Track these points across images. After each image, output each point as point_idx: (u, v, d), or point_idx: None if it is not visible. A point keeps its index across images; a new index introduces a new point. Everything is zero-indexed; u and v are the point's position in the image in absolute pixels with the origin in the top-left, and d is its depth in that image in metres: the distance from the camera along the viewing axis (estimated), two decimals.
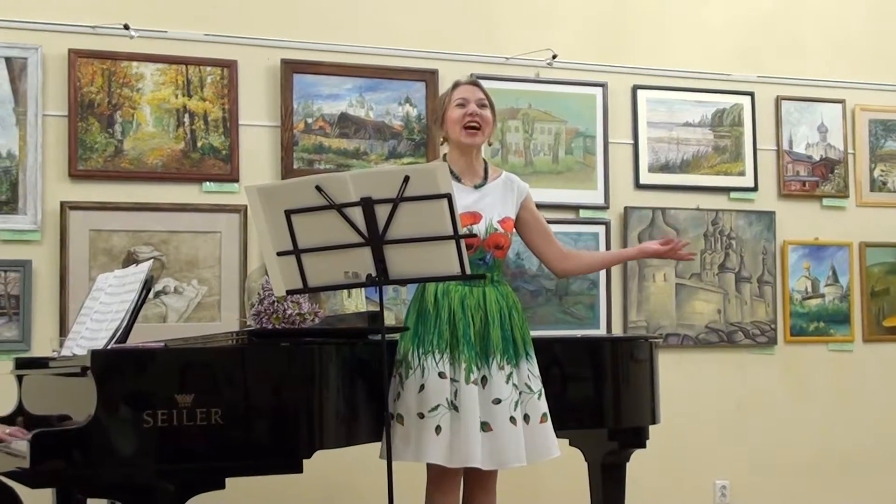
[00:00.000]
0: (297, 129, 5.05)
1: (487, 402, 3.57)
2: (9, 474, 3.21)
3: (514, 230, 3.87)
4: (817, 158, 5.95)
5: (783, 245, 5.84)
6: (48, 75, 4.74)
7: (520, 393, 3.63)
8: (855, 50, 6.04)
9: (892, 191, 6.08)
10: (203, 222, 4.87)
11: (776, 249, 5.83)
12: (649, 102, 5.66)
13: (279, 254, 3.28)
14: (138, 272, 3.50)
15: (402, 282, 3.44)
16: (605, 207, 5.52)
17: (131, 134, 4.84)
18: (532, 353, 3.73)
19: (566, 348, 4.05)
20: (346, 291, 4.04)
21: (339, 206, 3.20)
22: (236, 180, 4.93)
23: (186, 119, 4.91)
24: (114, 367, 3.11)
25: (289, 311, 3.73)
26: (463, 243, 3.25)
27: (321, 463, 3.43)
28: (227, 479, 3.20)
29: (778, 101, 5.89)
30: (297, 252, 3.26)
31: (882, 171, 6.08)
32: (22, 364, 4.04)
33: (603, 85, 5.56)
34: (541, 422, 3.66)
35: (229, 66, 4.97)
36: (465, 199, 3.67)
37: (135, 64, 4.85)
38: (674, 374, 5.15)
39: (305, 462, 3.29)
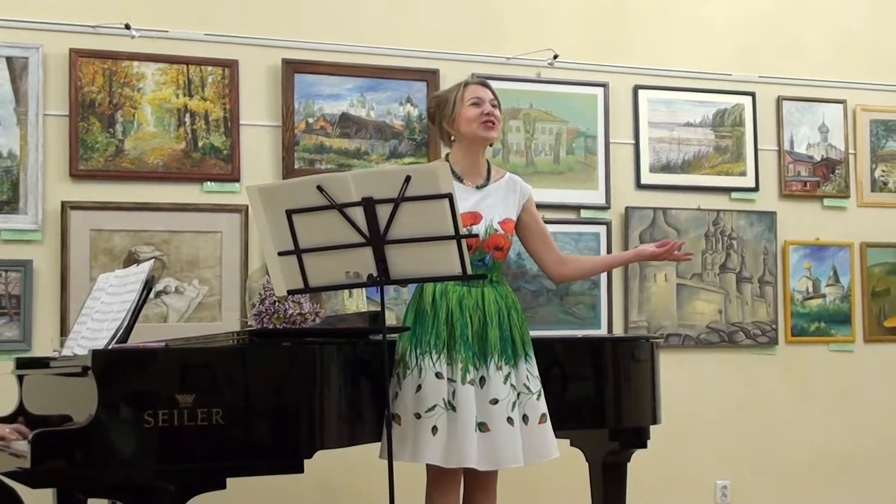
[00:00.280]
0: (298, 128, 5.05)
1: (485, 402, 3.56)
2: (10, 474, 3.21)
3: (515, 232, 3.87)
4: (818, 159, 5.95)
5: (784, 245, 5.84)
6: (49, 75, 4.74)
7: (518, 393, 3.63)
8: (856, 50, 6.04)
9: (893, 191, 6.08)
10: (204, 222, 4.87)
11: (777, 250, 5.83)
12: (650, 102, 5.66)
13: (280, 254, 3.28)
14: (139, 272, 3.50)
15: (404, 282, 3.44)
16: (606, 207, 5.52)
17: (132, 134, 4.83)
18: (531, 354, 3.73)
19: (567, 348, 4.05)
20: (347, 291, 4.05)
21: (341, 206, 3.20)
22: (237, 180, 4.93)
23: (187, 119, 4.91)
24: (115, 367, 3.11)
25: (290, 311, 3.73)
26: (464, 243, 3.24)
27: (322, 463, 3.43)
28: (228, 479, 3.20)
29: (779, 101, 5.89)
30: (298, 252, 3.26)
31: (883, 171, 6.07)
32: (23, 364, 4.04)
33: (604, 85, 5.56)
34: (539, 422, 3.65)
35: (230, 66, 4.97)
36: (466, 199, 3.67)
37: (136, 63, 4.85)
38: (675, 374, 5.15)
39: (306, 462, 3.29)
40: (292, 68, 5.05)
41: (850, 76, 6.01)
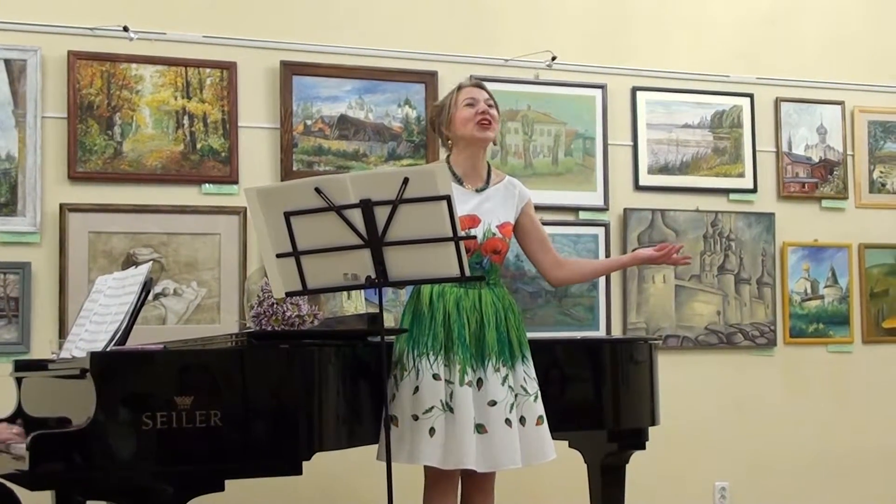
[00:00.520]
0: (296, 130, 5.05)
1: (482, 403, 3.57)
2: (8, 476, 3.22)
3: (513, 235, 3.87)
4: (816, 160, 5.95)
5: (782, 246, 5.84)
6: (47, 77, 4.74)
7: (515, 395, 3.63)
8: (854, 51, 6.04)
9: (891, 192, 6.08)
10: (202, 224, 4.87)
11: (775, 251, 5.83)
12: (649, 104, 5.66)
13: (278, 256, 3.28)
14: (137, 274, 3.50)
15: (402, 283, 3.44)
16: (604, 209, 5.52)
17: (131, 136, 4.84)
18: (528, 356, 3.73)
19: (566, 350, 4.05)
20: (345, 293, 4.04)
21: (339, 208, 3.20)
22: (236, 182, 4.93)
23: (186, 121, 4.91)
24: (113, 369, 3.11)
25: (288, 313, 3.73)
26: (462, 245, 3.25)
27: (321, 465, 3.43)
28: (227, 481, 3.20)
29: (777, 102, 5.89)
30: (296, 254, 3.26)
31: (881, 172, 6.08)
32: (21, 366, 4.04)
33: (602, 87, 5.56)
34: (536, 424, 3.65)
35: (228, 68, 4.97)
36: (465, 202, 3.68)
37: (134, 66, 4.85)
38: (673, 375, 5.14)
39: (305, 464, 3.29)
40: (290, 70, 5.05)
41: (848, 77, 6.02)
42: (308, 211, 3.21)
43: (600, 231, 5.49)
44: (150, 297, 4.39)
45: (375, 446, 3.56)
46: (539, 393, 3.70)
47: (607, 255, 5.46)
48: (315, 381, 3.34)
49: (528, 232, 3.91)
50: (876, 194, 6.06)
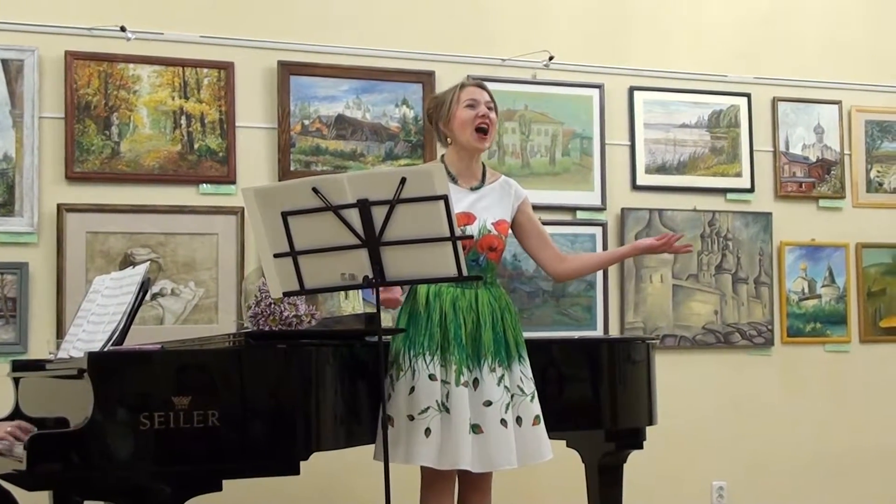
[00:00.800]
0: (293, 130, 5.05)
1: (478, 404, 3.57)
2: (5, 477, 3.21)
3: (511, 234, 3.87)
4: (814, 159, 5.96)
5: (780, 246, 5.85)
6: (45, 77, 4.73)
7: (511, 395, 3.63)
8: (851, 51, 6.05)
9: (888, 191, 6.09)
10: (200, 224, 4.87)
11: (773, 250, 5.83)
12: (646, 104, 5.66)
13: (276, 255, 3.28)
14: (135, 274, 3.50)
15: (399, 283, 3.44)
16: (602, 209, 5.52)
17: (128, 136, 4.83)
18: (525, 356, 3.73)
19: (563, 350, 4.05)
20: (342, 293, 4.04)
21: (336, 208, 3.20)
22: (233, 182, 4.93)
23: (183, 121, 4.91)
24: (111, 369, 3.11)
25: (285, 313, 3.73)
26: (460, 245, 3.25)
27: (318, 465, 3.43)
28: (225, 481, 3.20)
29: (774, 102, 5.90)
30: (293, 254, 3.26)
31: (878, 171, 6.08)
32: (18, 366, 4.03)
33: (600, 86, 5.56)
34: (533, 424, 3.65)
35: (226, 68, 4.97)
36: (460, 200, 3.68)
37: (131, 66, 4.85)
38: (671, 375, 5.14)
39: (303, 464, 3.29)
40: (288, 70, 5.05)
41: (845, 77, 6.02)
42: (305, 211, 3.21)
43: (598, 231, 5.49)
44: (148, 297, 4.40)
45: (373, 446, 3.56)
46: (536, 393, 3.70)
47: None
48: (312, 381, 3.34)
49: (527, 229, 3.91)
50: (873, 194, 6.06)
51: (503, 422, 3.56)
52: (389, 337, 3.66)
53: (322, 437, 3.36)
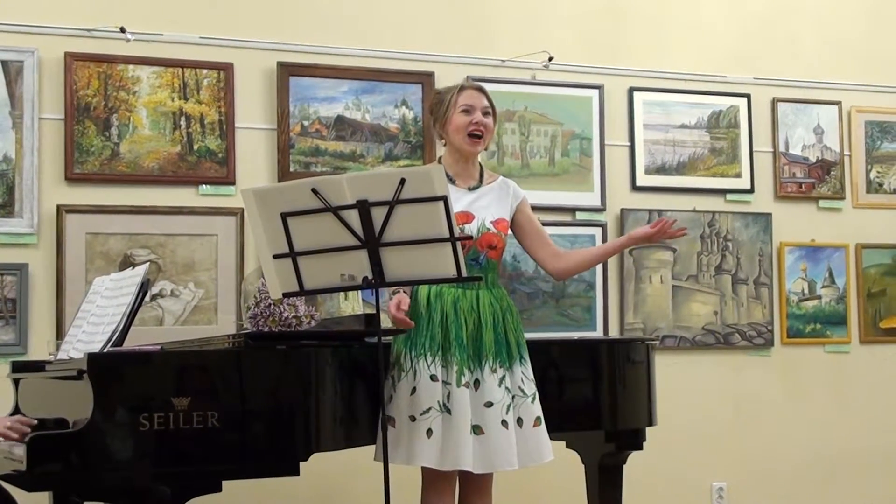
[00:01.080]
0: (293, 131, 5.05)
1: (479, 405, 3.57)
2: (5, 477, 3.21)
3: (511, 233, 3.87)
4: (813, 160, 5.96)
5: (780, 247, 5.85)
6: (44, 78, 4.73)
7: (512, 396, 3.63)
8: (851, 51, 6.05)
9: (888, 192, 6.09)
10: (199, 225, 4.87)
11: (773, 251, 5.83)
12: (645, 104, 5.66)
13: (275, 256, 3.28)
14: (134, 275, 3.50)
15: (399, 284, 3.44)
16: (601, 209, 5.52)
17: (127, 137, 4.83)
18: (526, 357, 3.73)
19: (563, 351, 4.05)
20: (342, 294, 4.04)
21: (336, 209, 3.20)
22: (233, 183, 4.93)
23: (183, 122, 4.91)
24: (110, 370, 3.11)
25: (285, 314, 3.74)
26: (459, 245, 3.25)
27: (318, 466, 3.43)
28: (224, 482, 3.20)
29: (774, 102, 5.90)
30: (293, 255, 3.26)
31: (878, 172, 6.08)
32: (18, 367, 4.04)
33: (599, 87, 5.56)
34: (534, 425, 3.65)
35: (225, 69, 4.97)
36: (458, 200, 3.68)
37: (131, 67, 4.85)
38: (670, 375, 5.14)
39: (302, 465, 3.29)
40: (287, 71, 5.05)
41: (844, 78, 6.02)
42: (305, 212, 3.21)
43: (597, 231, 5.49)
44: (148, 298, 4.40)
45: (373, 447, 3.56)
46: (537, 394, 3.70)
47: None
48: (312, 381, 3.34)
49: (526, 229, 3.91)
50: (873, 194, 6.06)
51: (504, 423, 3.56)
52: (390, 338, 3.66)
53: (321, 438, 3.36)
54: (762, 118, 5.88)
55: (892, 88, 6.11)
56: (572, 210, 5.49)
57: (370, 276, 3.26)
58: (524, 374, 3.69)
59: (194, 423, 3.12)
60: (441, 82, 5.14)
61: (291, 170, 5.00)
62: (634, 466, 4.27)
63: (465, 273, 3.27)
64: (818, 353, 5.91)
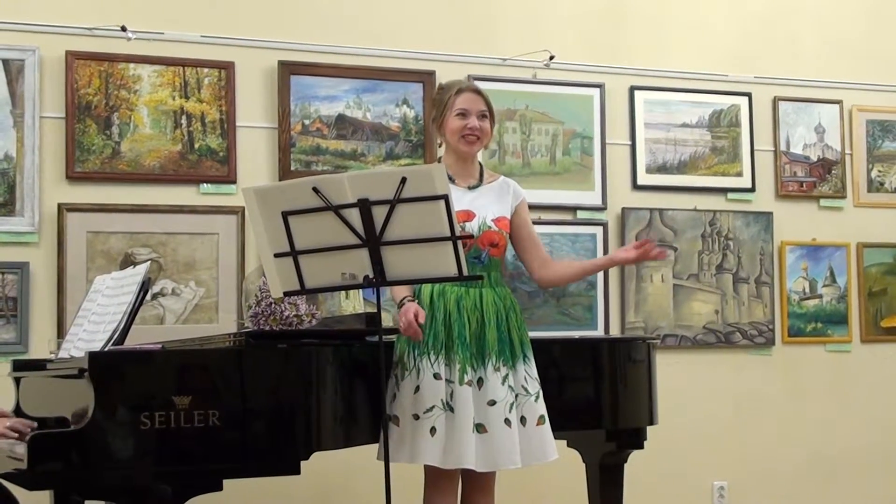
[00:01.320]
0: (294, 130, 5.05)
1: (482, 403, 3.57)
2: (6, 476, 3.21)
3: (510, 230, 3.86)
4: (815, 159, 5.95)
5: (781, 246, 5.84)
6: (45, 77, 4.73)
7: (516, 395, 3.63)
8: (852, 50, 6.04)
9: (889, 191, 6.09)
10: (200, 224, 4.87)
11: (774, 250, 5.83)
12: (647, 103, 5.66)
13: (276, 255, 3.28)
14: (135, 274, 3.50)
15: (400, 283, 3.44)
16: (602, 208, 5.52)
17: (129, 136, 4.83)
18: (530, 356, 3.73)
19: (564, 349, 4.05)
20: (343, 293, 4.04)
21: (337, 208, 3.20)
22: (234, 182, 4.93)
23: (184, 121, 4.91)
24: (111, 369, 3.11)
25: (286, 313, 3.73)
26: (460, 244, 3.25)
27: (320, 465, 3.43)
28: (225, 481, 3.20)
29: (775, 101, 5.90)
30: (294, 254, 3.26)
31: (879, 171, 6.08)
32: (19, 366, 4.04)
33: (600, 86, 5.56)
34: (537, 424, 3.65)
35: (226, 68, 4.97)
36: (459, 199, 3.67)
37: (132, 66, 4.85)
38: (671, 375, 5.14)
39: (304, 464, 3.29)
40: (288, 70, 5.05)
41: (846, 76, 6.02)
42: (306, 210, 3.21)
43: (598, 230, 5.49)
44: (149, 296, 4.40)
45: (374, 446, 3.57)
46: (541, 393, 3.70)
47: (605, 254, 5.44)
48: (313, 380, 3.34)
49: (518, 231, 3.88)
50: (874, 193, 6.06)
51: (507, 421, 3.56)
52: (392, 336, 3.66)
53: (322, 437, 3.36)
54: (763, 117, 5.87)
55: (893, 87, 6.11)
56: (573, 209, 5.48)
57: (371, 275, 3.26)
58: (528, 373, 3.69)
59: (195, 421, 3.12)
60: (442, 81, 5.12)
61: (292, 168, 5.00)
62: (635, 465, 4.26)
63: (466, 272, 3.27)
64: (819, 352, 5.91)
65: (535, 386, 3.69)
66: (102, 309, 3.59)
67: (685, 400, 5.48)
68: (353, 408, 3.49)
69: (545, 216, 5.35)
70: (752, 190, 5.81)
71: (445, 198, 3.18)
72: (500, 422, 3.56)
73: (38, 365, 3.90)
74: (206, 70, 4.94)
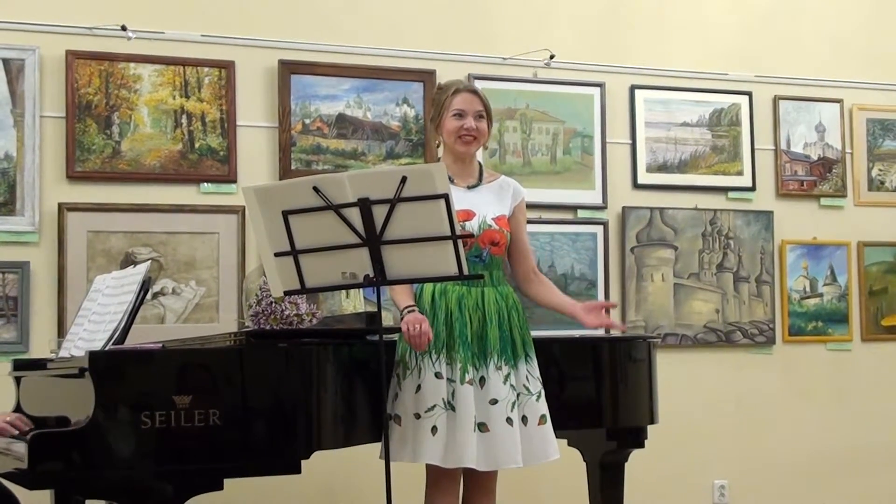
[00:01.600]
0: (294, 129, 5.05)
1: (484, 402, 3.56)
2: (7, 476, 3.22)
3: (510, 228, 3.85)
4: (815, 158, 5.95)
5: (781, 244, 5.84)
6: (45, 77, 4.73)
7: (517, 394, 3.63)
8: (852, 49, 6.04)
9: (889, 190, 6.08)
10: (201, 223, 4.87)
11: (774, 249, 5.83)
12: (647, 102, 5.66)
13: (277, 255, 3.27)
14: (136, 273, 3.50)
15: (401, 282, 3.44)
16: (603, 207, 5.52)
17: (129, 135, 4.83)
18: (532, 355, 3.73)
19: (565, 348, 4.05)
20: (343, 292, 4.04)
21: (337, 207, 3.20)
22: (234, 181, 4.93)
23: (184, 120, 4.91)
24: (112, 368, 3.11)
25: (286, 312, 3.73)
26: (461, 243, 3.25)
27: (321, 464, 3.43)
28: (226, 480, 3.20)
29: (776, 100, 5.89)
30: (294, 253, 3.26)
31: (880, 170, 6.08)
32: (20, 365, 4.04)
33: (601, 85, 5.56)
34: (539, 424, 3.65)
35: (227, 67, 4.96)
36: (458, 199, 3.64)
37: (132, 65, 4.85)
38: (672, 373, 5.14)
39: (306, 463, 3.29)
40: (289, 69, 5.05)
41: (846, 75, 6.02)
42: (306, 210, 3.21)
43: (599, 230, 5.49)
44: (149, 296, 4.40)
45: (377, 445, 3.56)
46: (542, 392, 3.70)
47: (606, 253, 5.47)
48: (313, 379, 3.34)
49: (512, 234, 3.86)
50: (875, 192, 6.06)
51: (509, 420, 3.56)
52: (394, 336, 3.65)
53: (323, 436, 3.36)
54: (764, 116, 5.87)
55: (893, 86, 6.11)
56: (574, 208, 5.48)
57: (371, 274, 3.26)
58: (529, 373, 3.69)
59: (196, 421, 3.12)
60: (442, 80, 5.11)
61: (293, 168, 5.00)
62: (636, 464, 4.26)
63: (466, 271, 3.27)
64: (820, 350, 5.91)
65: (536, 385, 3.69)
66: (103, 308, 3.59)
67: (686, 399, 5.48)
68: (353, 407, 3.49)
69: (546, 215, 5.35)
70: (753, 189, 5.81)
71: (446, 197, 3.18)
72: (501, 421, 3.56)
73: (39, 364, 3.90)
74: (206, 69, 4.94)
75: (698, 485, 5.65)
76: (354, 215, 3.21)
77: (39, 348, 4.53)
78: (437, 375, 3.56)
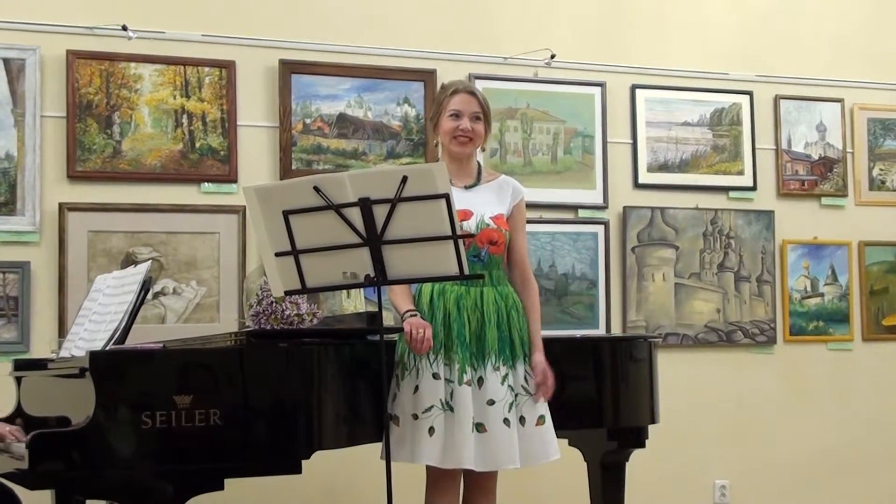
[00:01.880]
0: (295, 129, 5.05)
1: (482, 403, 3.56)
2: (8, 476, 3.22)
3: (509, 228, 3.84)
4: (816, 157, 5.95)
5: (782, 244, 5.84)
6: (46, 76, 4.73)
7: (515, 395, 3.62)
8: (853, 49, 6.04)
9: (890, 189, 6.08)
10: (201, 223, 4.87)
11: (775, 249, 5.83)
12: (648, 102, 5.66)
13: (277, 254, 3.27)
14: (136, 273, 3.50)
15: (401, 282, 3.43)
16: (603, 207, 5.52)
17: (129, 135, 4.83)
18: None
19: (565, 348, 4.04)
20: (344, 292, 4.04)
21: (338, 207, 3.20)
22: (235, 181, 4.93)
23: (185, 120, 4.91)
24: (112, 368, 3.11)
25: (287, 312, 3.73)
26: (461, 243, 3.24)
27: (322, 464, 3.43)
28: (227, 480, 3.20)
29: (776, 100, 5.89)
30: (295, 253, 3.26)
31: (881, 169, 6.07)
32: (20, 365, 4.04)
33: (601, 84, 5.56)
34: (537, 424, 3.64)
35: (227, 67, 4.96)
36: (455, 199, 3.63)
37: (133, 65, 4.85)
38: (673, 373, 5.14)
39: (305, 463, 3.29)
40: (289, 69, 5.05)
41: (847, 75, 6.02)
42: (307, 210, 3.20)
43: (600, 229, 5.49)
44: (150, 295, 4.40)
45: (378, 445, 3.56)
46: None
47: (607, 253, 5.47)
48: (314, 379, 3.34)
49: (510, 231, 3.84)
50: (876, 192, 6.06)
51: (506, 421, 3.56)
52: (394, 335, 3.65)
53: (324, 436, 3.36)
54: (765, 115, 5.87)
55: (894, 86, 6.11)
56: (574, 208, 5.48)
57: (372, 274, 3.25)
58: (528, 373, 3.68)
59: (196, 421, 3.12)
60: (443, 80, 5.12)
61: (293, 167, 5.00)
62: (637, 464, 4.26)
63: (466, 271, 3.27)
64: (821, 350, 5.91)
65: (535, 386, 3.68)
66: (103, 308, 3.59)
67: (687, 399, 5.48)
68: (354, 407, 3.49)
69: (546, 215, 5.35)
70: (754, 188, 5.81)
71: (446, 196, 3.18)
72: (499, 421, 3.55)
73: (40, 364, 3.90)
74: (206, 69, 4.94)
75: (699, 484, 5.65)
76: (355, 215, 3.20)
77: (40, 348, 4.53)
78: (436, 376, 3.56)
